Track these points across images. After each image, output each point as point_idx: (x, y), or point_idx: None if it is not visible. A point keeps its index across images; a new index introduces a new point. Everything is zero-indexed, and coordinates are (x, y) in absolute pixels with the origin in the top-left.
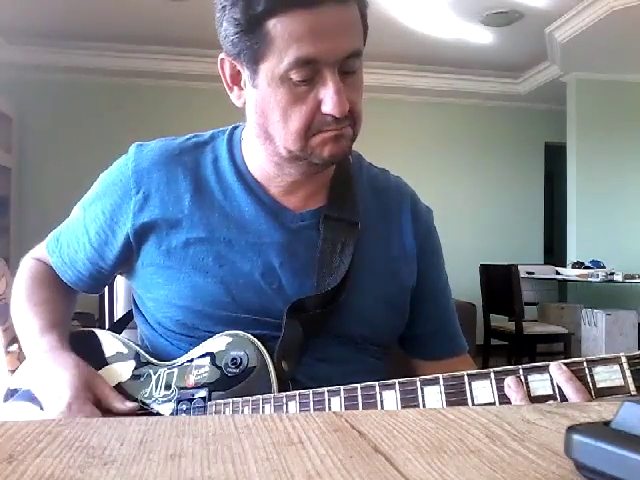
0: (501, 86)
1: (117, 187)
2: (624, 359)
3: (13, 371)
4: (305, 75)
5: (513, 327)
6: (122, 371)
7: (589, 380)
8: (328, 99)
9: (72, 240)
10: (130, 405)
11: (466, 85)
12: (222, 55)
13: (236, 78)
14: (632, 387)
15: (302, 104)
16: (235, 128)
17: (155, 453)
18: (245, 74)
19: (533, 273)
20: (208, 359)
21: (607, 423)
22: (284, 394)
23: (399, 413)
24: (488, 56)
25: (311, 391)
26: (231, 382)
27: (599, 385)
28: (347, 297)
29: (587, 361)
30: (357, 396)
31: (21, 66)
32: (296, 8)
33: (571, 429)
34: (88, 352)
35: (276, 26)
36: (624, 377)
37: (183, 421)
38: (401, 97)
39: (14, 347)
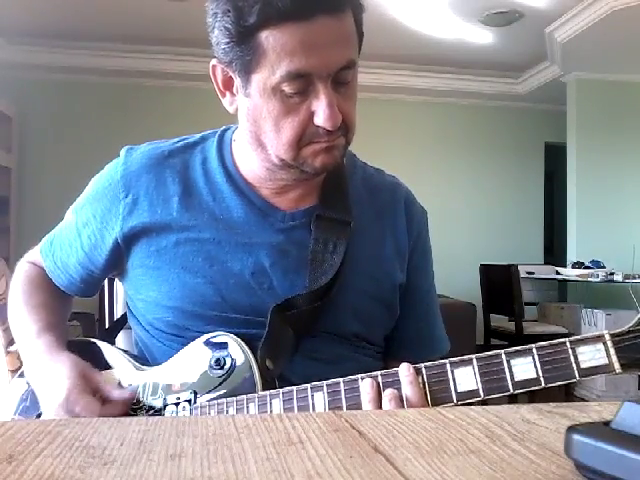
0: (501, 86)
1: (107, 191)
2: (608, 337)
3: (13, 371)
4: (297, 88)
5: (513, 327)
6: (113, 380)
7: (573, 360)
8: (320, 112)
9: (64, 244)
10: (126, 394)
11: (466, 85)
12: (214, 61)
13: (228, 84)
14: (617, 365)
15: (294, 115)
16: (226, 130)
17: (155, 453)
18: (237, 81)
19: (533, 273)
20: (193, 361)
21: (607, 423)
22: (268, 392)
23: (399, 413)
24: (488, 56)
25: (294, 388)
26: (216, 383)
27: (583, 365)
28: (339, 295)
29: (570, 341)
30: (340, 391)
31: (21, 66)
32: (288, 21)
33: (571, 429)
34: (85, 359)
35: (268, 39)
36: (608, 355)
37: (183, 421)
38: (401, 97)
39: (14, 347)
